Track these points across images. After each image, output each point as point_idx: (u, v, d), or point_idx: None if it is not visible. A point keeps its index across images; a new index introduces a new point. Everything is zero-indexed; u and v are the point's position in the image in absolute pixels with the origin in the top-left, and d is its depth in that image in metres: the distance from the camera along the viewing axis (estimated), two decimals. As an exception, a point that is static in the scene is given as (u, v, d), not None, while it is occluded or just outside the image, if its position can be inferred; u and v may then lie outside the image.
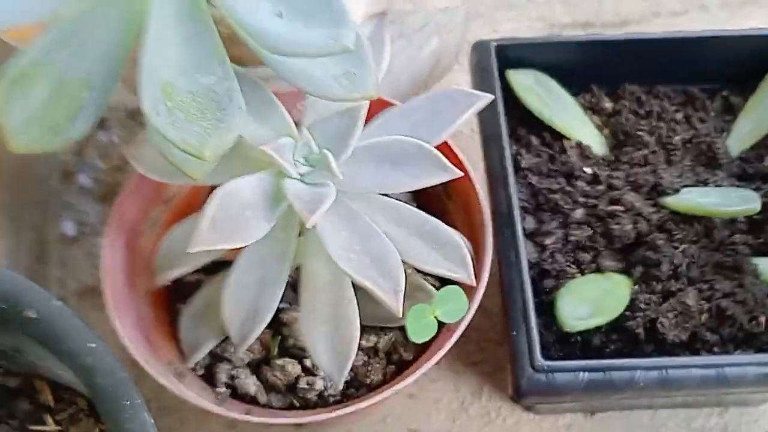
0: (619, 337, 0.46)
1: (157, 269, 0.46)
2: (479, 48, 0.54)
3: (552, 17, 0.80)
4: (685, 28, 0.78)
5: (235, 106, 0.32)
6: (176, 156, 0.35)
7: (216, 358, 0.46)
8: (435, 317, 0.42)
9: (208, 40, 0.33)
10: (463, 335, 0.59)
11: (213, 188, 0.38)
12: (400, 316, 0.37)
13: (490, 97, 0.42)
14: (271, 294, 0.40)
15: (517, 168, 0.52)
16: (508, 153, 0.49)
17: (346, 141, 0.39)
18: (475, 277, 0.44)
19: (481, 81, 0.53)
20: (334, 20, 0.30)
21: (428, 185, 0.39)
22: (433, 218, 0.42)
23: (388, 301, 0.36)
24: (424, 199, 0.53)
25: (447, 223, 0.51)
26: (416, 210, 0.42)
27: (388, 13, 0.43)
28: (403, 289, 0.37)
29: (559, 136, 0.54)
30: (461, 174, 0.39)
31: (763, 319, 0.45)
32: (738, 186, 0.52)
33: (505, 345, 0.57)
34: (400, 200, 0.51)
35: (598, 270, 0.48)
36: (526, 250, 0.48)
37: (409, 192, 0.53)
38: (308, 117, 0.41)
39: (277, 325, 0.46)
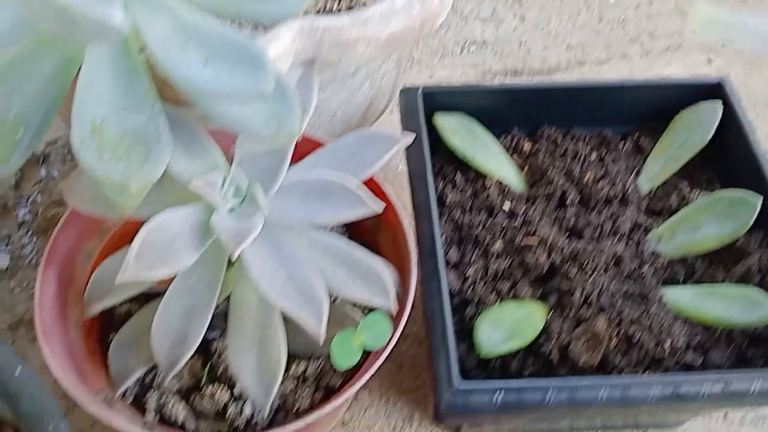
0: (535, 362, 0.49)
1: (87, 300, 0.47)
2: (407, 94, 0.58)
3: (484, 65, 0.85)
4: (608, 76, 0.85)
5: (162, 146, 0.34)
6: (107, 191, 0.37)
7: (146, 386, 0.47)
8: (360, 344, 0.44)
9: (139, 83, 0.35)
10: (396, 363, 0.62)
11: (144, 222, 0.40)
12: (322, 342, 0.39)
13: (408, 139, 0.45)
14: (199, 321, 0.42)
15: (443, 203, 0.56)
16: (432, 189, 0.52)
17: (274, 177, 0.41)
18: (401, 306, 0.46)
19: (408, 123, 0.56)
20: (255, 68, 0.33)
21: (350, 219, 0.42)
22: (358, 250, 0.44)
23: (310, 326, 0.38)
24: (358, 231, 0.55)
25: (377, 254, 0.54)
26: (342, 242, 0.44)
27: (316, 61, 0.46)
28: (325, 314, 0.39)
29: (481, 175, 0.58)
30: (380, 208, 0.41)
31: (667, 344, 0.48)
32: (645, 222, 0.56)
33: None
34: (333, 231, 0.54)
35: (516, 298, 0.51)
36: (449, 280, 0.51)
37: (343, 224, 0.55)
38: (239, 153, 0.43)
39: (207, 353, 0.47)
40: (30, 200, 0.70)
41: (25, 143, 0.35)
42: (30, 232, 0.68)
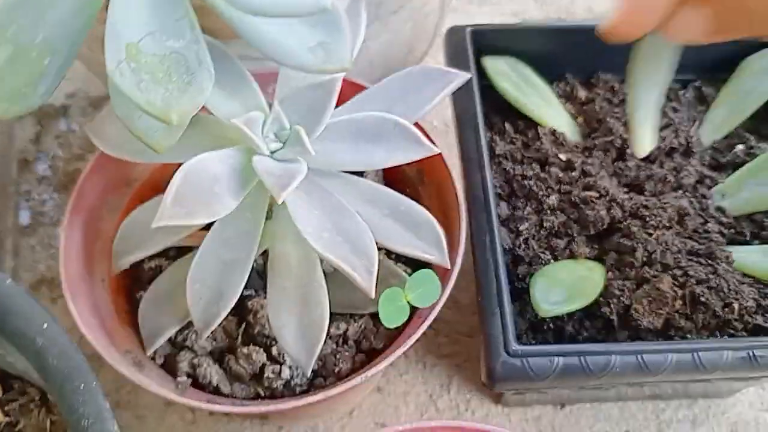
0: (593, 324, 0.45)
1: (116, 253, 0.44)
2: (454, 33, 0.53)
3: (525, 12, 0.80)
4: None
5: (204, 70, 0.30)
6: (139, 127, 0.34)
7: (177, 346, 0.44)
8: (408, 301, 0.41)
9: (178, 4, 0.32)
10: (432, 328, 0.59)
11: (177, 169, 0.36)
12: (373, 296, 0.35)
13: (466, 75, 0.41)
14: (237, 276, 0.38)
15: (491, 154, 0.52)
16: (483, 137, 0.48)
17: (319, 116, 0.37)
18: (450, 263, 0.43)
19: (456, 66, 0.52)
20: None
21: (405, 162, 0.38)
22: (408, 199, 0.40)
23: (360, 280, 0.35)
24: (396, 184, 0.51)
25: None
26: (390, 190, 0.41)
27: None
28: (376, 268, 0.35)
29: (533, 123, 0.54)
30: (438, 151, 0.37)
31: (737, 305, 0.45)
32: (710, 176, 0.52)
33: (476, 336, 0.57)
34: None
35: (572, 256, 0.47)
36: (500, 236, 0.47)
37: (381, 176, 0.51)
38: (280, 92, 0.40)
39: (242, 312, 0.44)
40: (50, 155, 0.67)
41: (53, 72, 0.32)
42: (51, 188, 0.65)
